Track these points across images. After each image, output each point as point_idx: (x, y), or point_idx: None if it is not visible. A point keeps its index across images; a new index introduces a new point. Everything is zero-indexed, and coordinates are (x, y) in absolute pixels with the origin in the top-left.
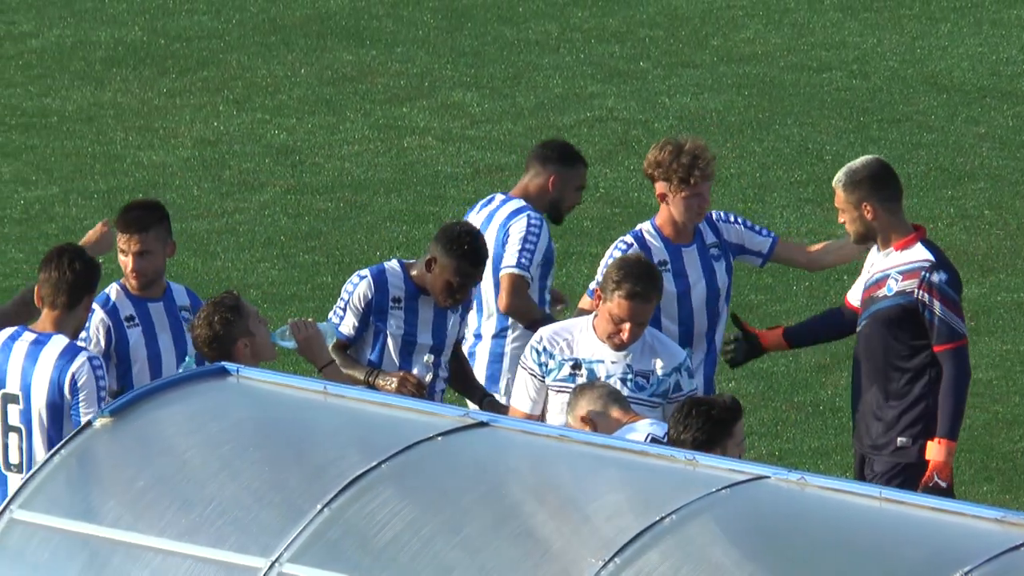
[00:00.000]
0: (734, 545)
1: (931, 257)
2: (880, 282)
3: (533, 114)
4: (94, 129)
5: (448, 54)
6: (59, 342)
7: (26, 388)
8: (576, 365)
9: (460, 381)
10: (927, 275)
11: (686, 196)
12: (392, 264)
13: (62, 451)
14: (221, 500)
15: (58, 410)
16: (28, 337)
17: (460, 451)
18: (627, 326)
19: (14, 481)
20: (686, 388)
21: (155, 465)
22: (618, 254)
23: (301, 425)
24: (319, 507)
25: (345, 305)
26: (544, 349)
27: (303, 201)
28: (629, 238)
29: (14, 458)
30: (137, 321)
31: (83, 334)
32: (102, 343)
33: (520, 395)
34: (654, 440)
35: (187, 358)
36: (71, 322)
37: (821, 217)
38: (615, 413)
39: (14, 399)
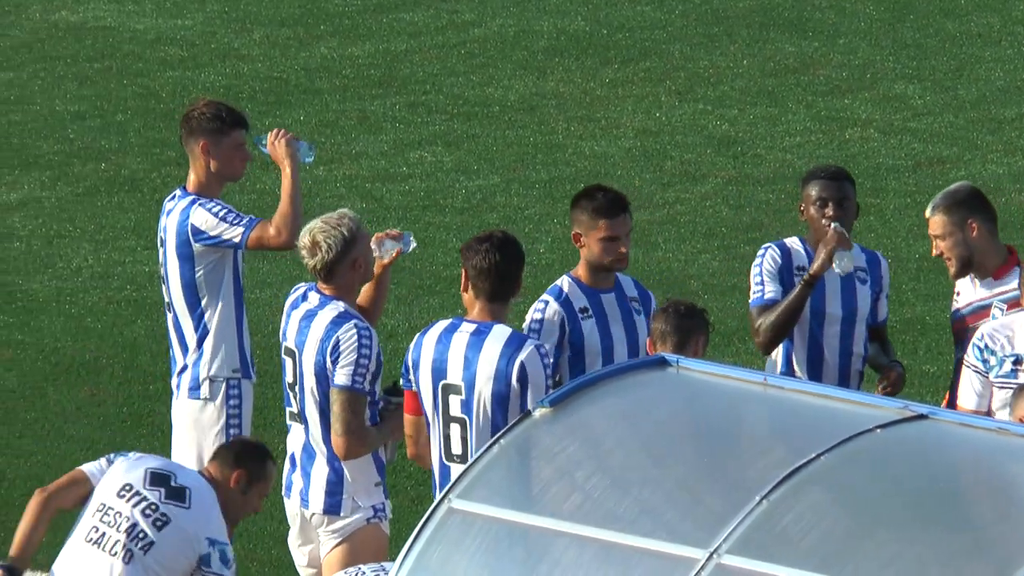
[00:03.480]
0: None
1: None
2: (982, 312)
3: (975, 107)
4: (535, 119)
5: (890, 46)
6: (502, 331)
7: (470, 379)
8: (1017, 361)
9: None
10: None
11: None
12: (792, 240)
13: (501, 441)
14: (658, 491)
15: (503, 400)
16: (467, 328)
17: (899, 444)
18: None
19: (456, 471)
20: None
21: (593, 455)
22: None
23: (739, 416)
24: (757, 499)
25: (760, 273)
26: (986, 346)
27: (744, 192)
28: None
29: (456, 448)
30: (591, 312)
31: (533, 324)
32: (556, 334)
33: (966, 392)
34: None
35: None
36: (504, 312)
37: None
38: None
39: (456, 390)
